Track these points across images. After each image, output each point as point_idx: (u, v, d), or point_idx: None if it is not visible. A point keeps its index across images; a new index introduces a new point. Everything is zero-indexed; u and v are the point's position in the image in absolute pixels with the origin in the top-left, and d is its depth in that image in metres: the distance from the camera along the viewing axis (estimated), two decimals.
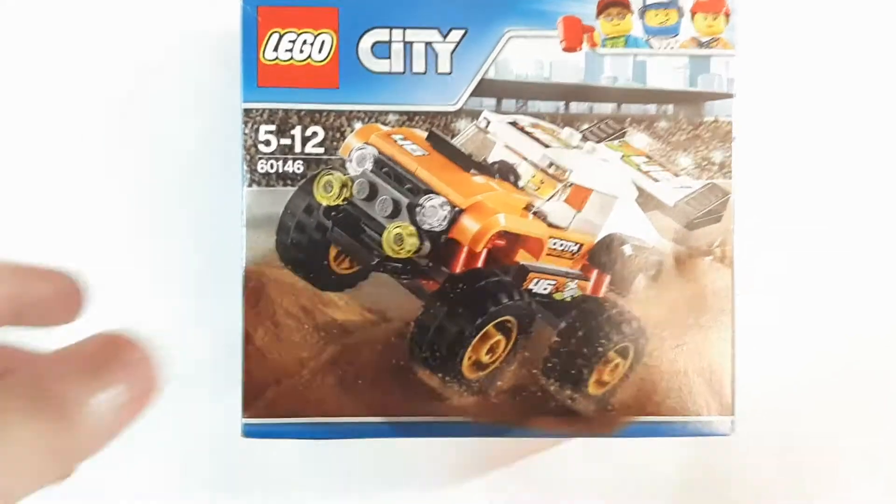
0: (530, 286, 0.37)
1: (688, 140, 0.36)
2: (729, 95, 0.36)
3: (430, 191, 0.36)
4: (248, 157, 0.35)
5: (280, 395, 0.36)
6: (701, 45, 0.36)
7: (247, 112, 0.35)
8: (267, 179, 0.35)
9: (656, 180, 0.36)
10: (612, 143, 0.36)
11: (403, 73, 0.35)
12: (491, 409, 0.37)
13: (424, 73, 0.35)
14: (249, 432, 0.36)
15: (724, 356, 0.37)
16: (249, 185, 0.35)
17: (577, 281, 0.37)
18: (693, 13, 0.36)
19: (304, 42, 0.35)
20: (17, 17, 0.44)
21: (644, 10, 0.36)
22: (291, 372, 0.36)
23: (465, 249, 0.36)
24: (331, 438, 0.36)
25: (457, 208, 0.35)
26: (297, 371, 0.36)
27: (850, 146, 0.45)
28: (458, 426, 0.36)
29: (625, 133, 0.36)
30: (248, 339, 0.35)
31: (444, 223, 0.35)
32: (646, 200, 0.36)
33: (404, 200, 0.36)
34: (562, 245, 0.37)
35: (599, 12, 0.35)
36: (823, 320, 0.45)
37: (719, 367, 0.37)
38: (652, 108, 0.36)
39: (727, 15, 0.36)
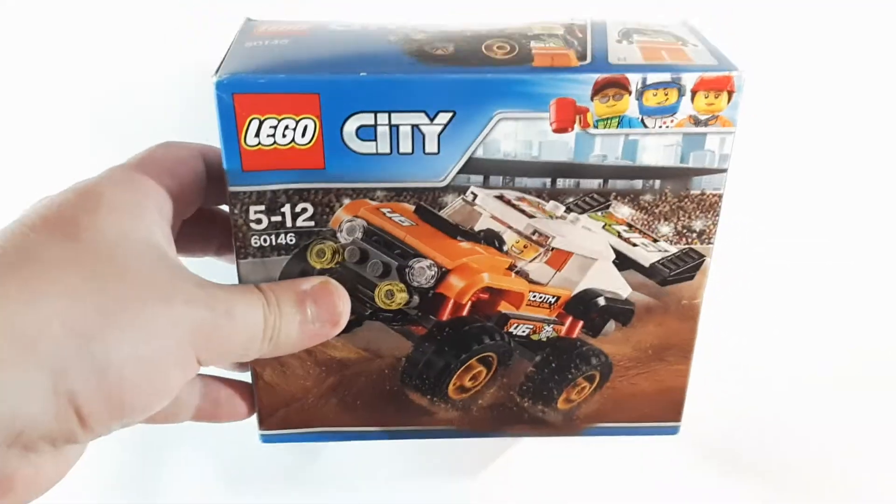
0: (510, 329, 0.40)
1: (671, 211, 0.37)
2: (721, 171, 0.36)
3: (418, 255, 0.37)
4: (240, 234, 0.36)
5: (290, 413, 0.41)
6: (698, 123, 0.34)
7: (234, 195, 0.35)
8: (261, 252, 0.37)
9: (634, 245, 0.37)
10: (596, 213, 0.37)
11: (390, 153, 0.34)
12: (472, 420, 0.42)
13: (412, 153, 0.35)
14: (266, 440, 0.42)
15: (680, 381, 0.41)
16: (244, 258, 0.37)
17: (553, 325, 0.40)
18: (694, 92, 0.34)
19: (286, 127, 0.34)
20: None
21: (643, 90, 0.33)
22: (299, 397, 0.41)
23: (452, 300, 0.38)
24: (334, 441, 0.43)
25: (444, 268, 0.37)
26: (303, 396, 0.41)
27: (829, 224, 0.51)
28: (443, 432, 0.43)
29: (609, 205, 0.36)
30: (257, 376, 0.40)
31: (432, 282, 0.38)
32: (623, 262, 0.38)
33: (394, 263, 0.37)
34: (541, 297, 0.39)
35: (595, 93, 0.33)
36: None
37: (674, 387, 0.42)
38: (639, 183, 0.36)
39: (731, 93, 0.34)
